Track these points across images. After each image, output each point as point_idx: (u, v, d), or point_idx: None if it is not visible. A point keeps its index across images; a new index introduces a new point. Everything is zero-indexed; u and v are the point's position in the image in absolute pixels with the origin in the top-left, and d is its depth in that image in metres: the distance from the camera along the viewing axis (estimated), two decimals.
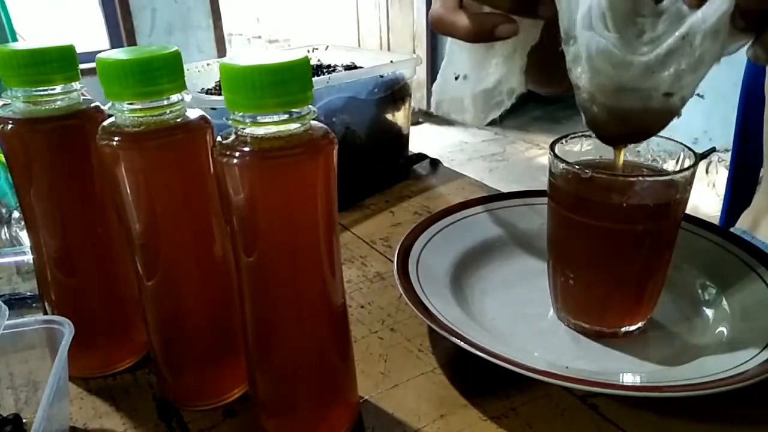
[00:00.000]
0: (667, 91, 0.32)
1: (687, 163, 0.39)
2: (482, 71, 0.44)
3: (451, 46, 0.46)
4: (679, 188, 0.37)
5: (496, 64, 0.43)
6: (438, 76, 0.48)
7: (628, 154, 0.41)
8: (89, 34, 3.08)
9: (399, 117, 0.74)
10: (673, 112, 0.34)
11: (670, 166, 0.41)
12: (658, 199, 0.38)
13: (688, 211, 0.41)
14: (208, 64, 0.73)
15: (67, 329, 0.34)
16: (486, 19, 0.38)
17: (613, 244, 0.39)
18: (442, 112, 0.49)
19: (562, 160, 0.39)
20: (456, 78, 0.46)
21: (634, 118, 0.34)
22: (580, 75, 0.34)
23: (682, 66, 0.31)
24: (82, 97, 0.36)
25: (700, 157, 0.39)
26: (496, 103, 0.45)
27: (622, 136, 0.38)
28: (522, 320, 0.44)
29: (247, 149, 0.27)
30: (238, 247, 0.29)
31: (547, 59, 0.37)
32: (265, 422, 0.33)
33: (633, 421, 0.35)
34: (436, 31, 0.41)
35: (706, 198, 2.38)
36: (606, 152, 0.43)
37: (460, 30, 0.40)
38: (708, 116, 2.63)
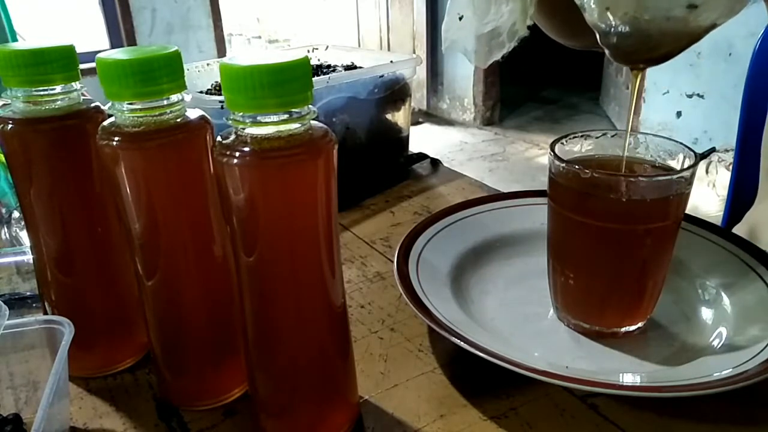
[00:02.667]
0: (692, 3, 0.31)
1: (687, 163, 0.39)
2: (485, 11, 0.44)
3: None
4: (679, 188, 0.37)
5: (496, 4, 0.43)
6: (445, 15, 0.48)
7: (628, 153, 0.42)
8: (89, 34, 3.08)
9: (399, 117, 0.74)
10: (694, 34, 0.33)
11: (670, 165, 0.41)
12: (658, 199, 0.38)
13: (688, 211, 0.41)
14: (208, 64, 0.73)
15: (67, 329, 0.34)
16: None
17: (613, 244, 0.39)
18: (451, 51, 0.48)
19: (562, 160, 0.39)
20: (460, 18, 0.45)
21: (654, 32, 0.33)
22: None
23: None
24: (82, 97, 0.36)
25: (700, 157, 0.39)
26: (497, 44, 0.45)
27: (637, 54, 0.36)
28: (522, 320, 0.44)
29: (247, 149, 0.27)
30: (238, 247, 0.29)
31: (570, 11, 0.37)
32: (265, 422, 0.33)
33: (633, 421, 0.35)
34: None
35: (706, 198, 2.38)
36: (605, 152, 0.43)
37: None
38: (708, 116, 2.63)
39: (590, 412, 0.36)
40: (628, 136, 0.41)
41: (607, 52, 0.37)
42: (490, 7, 0.43)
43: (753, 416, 0.35)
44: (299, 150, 0.27)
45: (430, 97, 4.01)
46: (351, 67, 0.72)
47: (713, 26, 0.33)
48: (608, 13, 0.34)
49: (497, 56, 0.46)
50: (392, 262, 0.46)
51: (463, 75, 3.72)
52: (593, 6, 0.34)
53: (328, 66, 0.74)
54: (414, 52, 3.72)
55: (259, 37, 5.38)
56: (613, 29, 0.35)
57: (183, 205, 0.33)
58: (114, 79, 0.30)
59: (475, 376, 0.39)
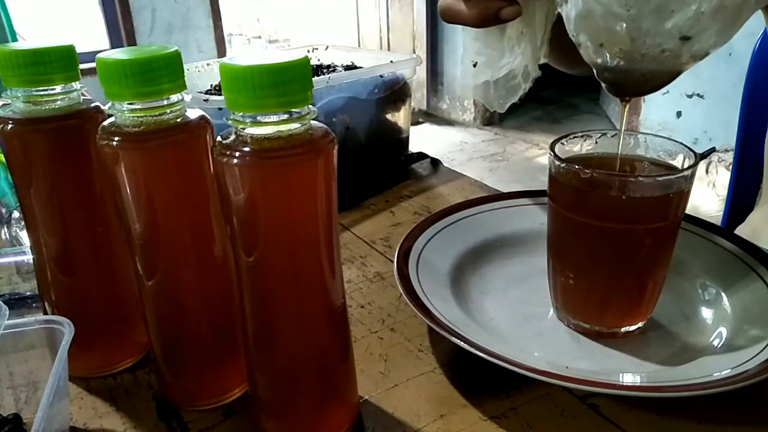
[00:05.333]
0: (685, 35, 0.31)
1: (687, 163, 0.39)
2: (497, 56, 0.44)
3: (465, 34, 0.47)
4: (679, 188, 0.37)
5: (509, 48, 0.44)
6: (460, 63, 0.49)
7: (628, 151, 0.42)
8: (89, 34, 3.08)
9: (399, 117, 0.74)
10: (688, 64, 0.33)
11: (669, 163, 0.41)
12: (658, 199, 0.38)
13: (688, 211, 0.41)
14: (208, 64, 0.73)
15: (67, 329, 0.34)
16: (489, 3, 0.39)
17: (613, 244, 0.39)
18: (468, 98, 0.49)
19: (562, 160, 0.39)
20: (474, 65, 0.46)
21: (648, 66, 0.34)
22: (581, 29, 0.33)
23: (702, 8, 0.30)
24: (82, 97, 0.36)
25: (700, 157, 0.39)
26: (512, 87, 0.45)
27: (633, 87, 0.37)
28: (522, 320, 0.44)
29: (247, 149, 0.27)
30: (238, 247, 0.29)
31: (570, 40, 0.37)
32: (265, 422, 0.33)
33: (633, 421, 0.35)
34: (445, 20, 0.42)
35: (706, 198, 2.38)
36: (605, 152, 0.43)
37: (467, 17, 0.40)
38: (708, 116, 2.63)
39: (590, 412, 0.36)
40: (628, 136, 0.41)
41: (603, 86, 0.38)
42: (503, 52, 0.44)
43: (753, 416, 0.35)
44: (299, 150, 0.27)
45: (430, 97, 4.00)
46: (351, 67, 0.72)
47: (706, 55, 0.33)
48: (603, 49, 0.34)
49: (514, 99, 0.47)
50: (392, 262, 0.46)
51: None
52: (588, 43, 0.35)
53: (328, 66, 0.74)
54: (414, 52, 3.72)
55: (259, 37, 5.39)
56: (608, 64, 0.35)
57: (183, 205, 0.33)
58: (114, 79, 0.30)
59: (475, 376, 0.39)
